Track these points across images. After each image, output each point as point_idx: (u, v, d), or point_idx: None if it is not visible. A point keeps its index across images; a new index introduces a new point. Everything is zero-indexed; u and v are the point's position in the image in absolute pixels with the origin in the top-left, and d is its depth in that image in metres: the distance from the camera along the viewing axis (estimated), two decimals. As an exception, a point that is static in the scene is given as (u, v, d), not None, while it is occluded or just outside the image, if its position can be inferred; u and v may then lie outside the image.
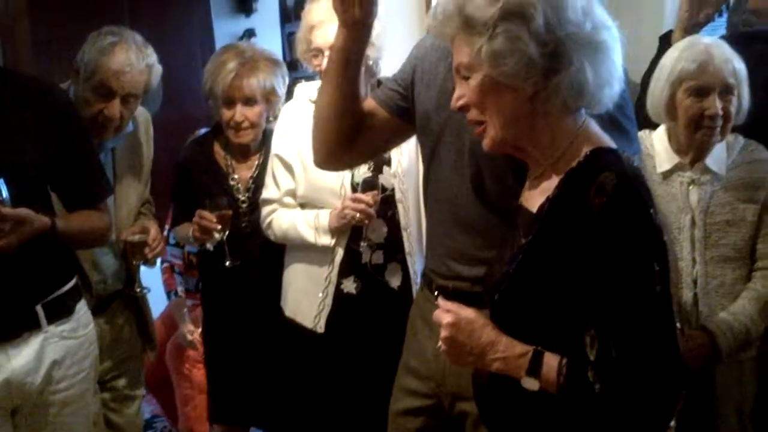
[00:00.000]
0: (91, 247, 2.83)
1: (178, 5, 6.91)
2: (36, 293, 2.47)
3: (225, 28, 7.39)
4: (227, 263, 3.05)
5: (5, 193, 2.24)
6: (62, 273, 2.58)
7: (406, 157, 2.88)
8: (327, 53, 2.79)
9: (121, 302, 3.10)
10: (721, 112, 2.62)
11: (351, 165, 2.67)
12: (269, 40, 7.55)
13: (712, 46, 2.67)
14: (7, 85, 2.44)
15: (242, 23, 7.55)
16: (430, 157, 2.22)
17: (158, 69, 2.95)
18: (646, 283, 1.62)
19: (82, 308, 2.64)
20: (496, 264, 1.88)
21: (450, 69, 2.18)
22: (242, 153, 3.25)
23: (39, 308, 2.46)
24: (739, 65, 2.65)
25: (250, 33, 7.55)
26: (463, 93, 1.77)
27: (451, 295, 2.07)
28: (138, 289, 3.02)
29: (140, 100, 2.95)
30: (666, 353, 1.63)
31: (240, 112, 3.10)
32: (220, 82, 3.09)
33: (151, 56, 2.92)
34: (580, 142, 1.75)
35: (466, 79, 1.75)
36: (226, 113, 3.12)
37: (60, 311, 2.53)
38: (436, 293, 2.19)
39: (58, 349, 2.51)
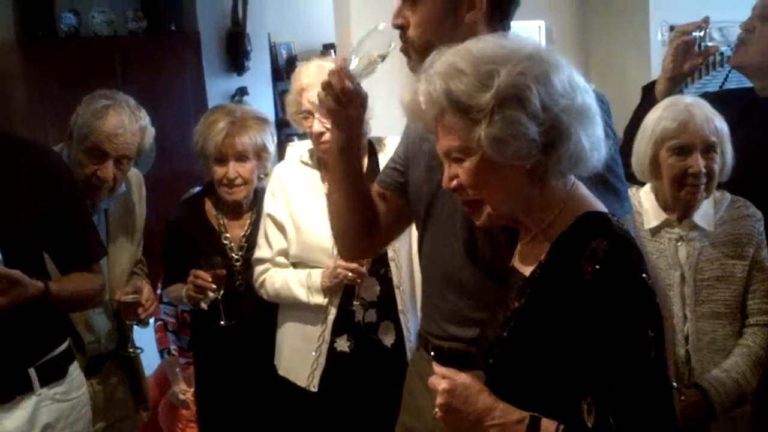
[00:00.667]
0: (84, 309, 2.83)
1: (171, 65, 6.98)
2: (29, 356, 2.46)
3: (218, 87, 7.46)
4: (222, 322, 3.05)
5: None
6: (55, 335, 2.58)
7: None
8: (317, 116, 2.83)
9: (114, 362, 3.09)
10: (704, 170, 2.65)
11: (376, 250, 2.68)
12: (261, 98, 7.63)
13: (693, 105, 2.70)
14: (0, 148, 2.46)
15: (235, 82, 7.61)
16: (424, 220, 2.23)
17: (151, 131, 2.99)
18: (641, 350, 1.61)
19: (75, 370, 2.63)
20: (489, 326, 1.87)
21: (425, 136, 2.18)
22: (234, 211, 3.26)
23: (32, 371, 2.45)
24: (720, 123, 2.68)
25: (242, 91, 7.61)
26: (455, 174, 1.75)
27: (447, 357, 2.07)
28: (131, 350, 3.01)
29: (133, 161, 2.98)
30: (663, 419, 1.62)
31: (233, 168, 3.13)
32: (212, 141, 3.13)
33: (144, 118, 2.95)
34: (570, 207, 1.75)
35: (459, 161, 1.74)
36: (219, 171, 3.15)
37: (53, 374, 2.52)
38: (432, 354, 2.18)
39: (50, 412, 2.50)
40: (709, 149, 2.66)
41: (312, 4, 7.95)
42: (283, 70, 8.15)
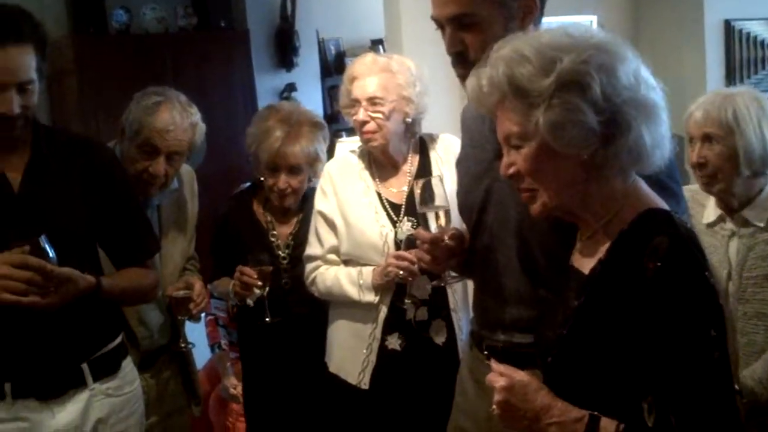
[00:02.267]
0: (138, 304, 2.85)
1: (221, 61, 7.03)
2: (82, 350, 2.48)
3: (266, 83, 7.50)
4: (267, 319, 3.05)
5: (52, 252, 2.25)
6: (109, 330, 2.59)
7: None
8: (363, 104, 2.84)
9: (166, 357, 3.11)
10: (700, 161, 2.66)
11: None
12: (310, 93, 7.65)
13: (709, 96, 2.71)
14: (55, 143, 2.48)
15: (284, 78, 7.65)
16: (474, 228, 2.23)
17: (202, 127, 3.00)
18: (704, 350, 1.58)
19: (128, 365, 2.64)
20: (548, 325, 1.85)
21: (476, 142, 2.22)
22: (282, 211, 3.27)
23: (85, 366, 2.47)
24: (738, 114, 2.63)
25: (291, 87, 7.64)
26: (513, 161, 1.75)
27: (501, 355, 2.05)
28: (183, 345, 3.01)
29: (185, 157, 3.00)
30: (726, 421, 1.59)
31: (284, 179, 3.13)
32: (266, 149, 3.12)
33: (195, 115, 2.97)
34: (631, 203, 1.72)
35: (517, 147, 1.74)
36: (270, 179, 3.15)
37: (106, 369, 2.53)
38: (486, 353, 2.17)
39: (103, 406, 2.51)
40: (706, 139, 2.67)
41: (358, 0, 7.95)
42: (331, 66, 8.17)
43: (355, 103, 2.88)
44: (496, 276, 2.16)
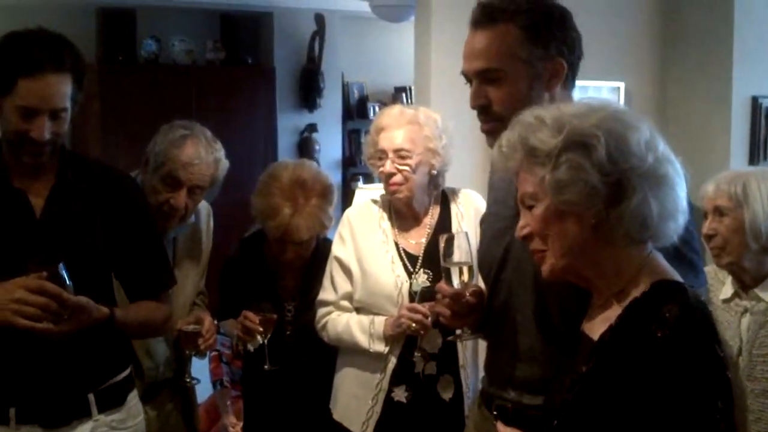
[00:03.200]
0: (149, 337, 2.86)
1: (245, 96, 7.10)
2: (90, 381, 2.47)
3: (288, 122, 7.56)
4: (266, 367, 3.02)
5: (69, 281, 2.25)
6: (118, 362, 2.58)
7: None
8: (390, 156, 2.84)
9: (169, 391, 3.10)
10: (710, 233, 2.72)
11: None
12: (330, 135, 7.71)
13: (734, 171, 2.80)
14: (80, 171, 2.49)
15: (305, 118, 7.71)
16: (492, 284, 2.24)
17: (225, 163, 3.02)
18: (709, 421, 1.57)
19: (134, 398, 2.62)
20: (556, 390, 1.85)
21: (500, 200, 2.25)
22: (290, 264, 3.22)
23: (91, 396, 2.45)
24: (755, 186, 2.69)
25: (312, 128, 7.70)
26: (527, 222, 1.79)
27: (510, 416, 2.05)
28: (189, 380, 3.00)
29: (205, 192, 3.01)
30: None
31: (291, 251, 3.11)
32: (273, 228, 3.07)
33: (220, 151, 2.99)
34: (645, 273, 1.73)
35: (530, 208, 1.77)
36: (277, 249, 3.14)
37: (112, 401, 2.52)
38: (495, 413, 2.16)
39: (106, 439, 2.50)
40: (716, 212, 2.74)
41: (386, 46, 8.03)
42: (353, 110, 8.24)
43: (382, 154, 2.88)
44: (511, 333, 2.15)
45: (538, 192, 1.73)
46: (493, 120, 2.09)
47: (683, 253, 1.93)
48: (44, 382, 2.37)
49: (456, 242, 2.32)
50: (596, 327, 1.78)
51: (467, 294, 2.24)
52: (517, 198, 1.83)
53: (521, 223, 1.81)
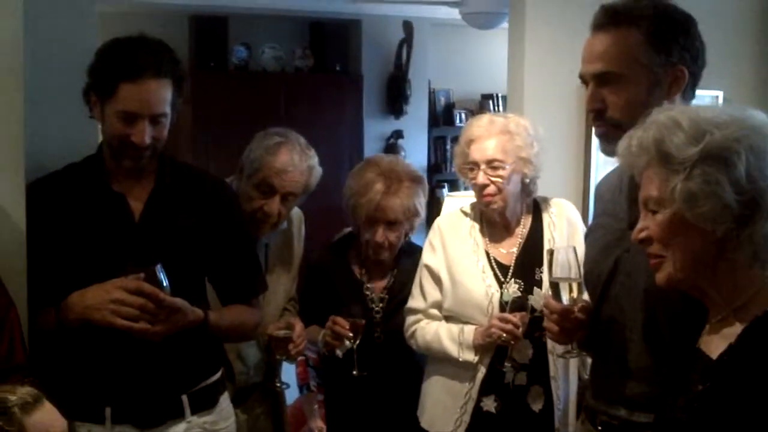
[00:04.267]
0: (239, 341, 2.89)
1: (333, 103, 7.16)
2: (183, 382, 2.51)
3: (374, 128, 7.60)
4: (354, 372, 3.01)
5: (165, 282, 2.29)
6: (210, 364, 2.62)
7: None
8: (483, 167, 2.82)
9: (259, 395, 3.13)
10: None
11: None
12: (416, 142, 7.72)
13: None
14: (178, 176, 2.54)
15: (392, 124, 7.74)
16: (599, 298, 2.20)
17: (318, 170, 3.04)
18: None
19: (225, 401, 2.66)
20: (668, 408, 1.80)
21: (610, 212, 2.20)
22: (377, 266, 3.23)
23: (185, 398, 2.49)
24: None
25: (398, 134, 7.72)
26: (647, 226, 1.74)
27: None
28: (279, 384, 3.01)
29: (298, 199, 3.04)
30: None
31: (381, 234, 3.10)
32: (365, 203, 3.08)
33: (313, 158, 3.01)
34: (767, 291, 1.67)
35: (653, 212, 1.72)
36: (366, 233, 3.13)
37: (204, 402, 2.55)
38: (600, 428, 2.14)
39: (197, 440, 2.53)
40: None
41: (473, 53, 8.01)
42: (439, 117, 8.25)
43: (474, 165, 2.85)
44: (619, 349, 2.11)
45: (665, 198, 1.67)
46: (607, 125, 2.06)
47: None
48: (139, 383, 2.42)
49: (563, 256, 2.29)
50: (714, 345, 1.72)
51: (576, 310, 2.21)
52: (627, 209, 1.79)
53: (640, 225, 1.76)
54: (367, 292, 3.21)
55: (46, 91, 2.61)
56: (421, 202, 3.18)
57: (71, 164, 2.52)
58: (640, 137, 1.72)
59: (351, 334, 2.96)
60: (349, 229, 3.43)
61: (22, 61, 2.34)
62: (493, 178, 2.81)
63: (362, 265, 3.25)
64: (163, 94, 2.36)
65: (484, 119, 2.91)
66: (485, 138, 2.84)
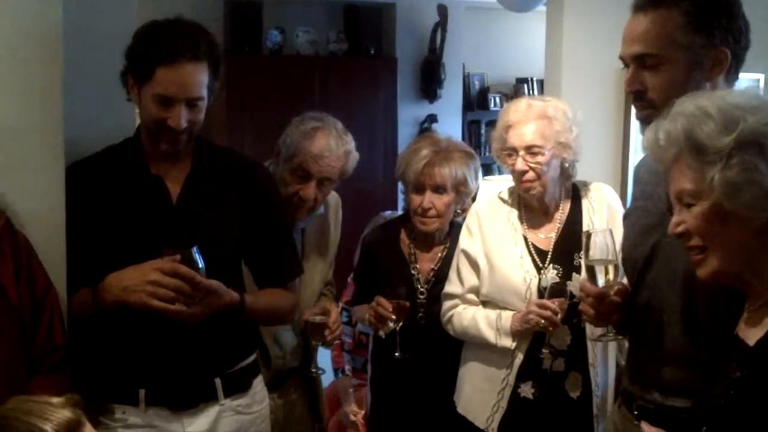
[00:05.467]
0: (275, 324, 2.89)
1: (367, 87, 7.15)
2: (217, 365, 2.51)
3: (408, 112, 7.57)
4: (396, 354, 3.01)
5: (201, 263, 2.29)
6: (245, 347, 2.62)
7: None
8: (521, 153, 2.79)
9: (295, 379, 3.13)
10: None
11: None
12: (450, 126, 7.68)
13: None
14: (215, 159, 2.54)
15: (426, 108, 7.70)
16: (637, 282, 2.18)
17: (355, 155, 3.03)
18: None
19: (259, 384, 2.66)
20: (705, 394, 1.78)
21: (648, 195, 2.17)
22: (426, 243, 3.22)
23: (218, 380, 2.50)
24: None
25: (432, 118, 7.69)
26: (683, 219, 1.72)
27: (653, 417, 1.99)
28: (314, 370, 3.01)
29: (335, 184, 3.03)
30: None
31: (428, 198, 3.08)
32: (412, 168, 3.08)
33: (350, 143, 3.00)
34: None
35: (689, 206, 1.69)
36: (415, 199, 3.12)
37: (238, 385, 2.56)
38: (635, 413, 2.11)
39: (231, 422, 2.53)
40: None
41: (508, 37, 7.96)
42: (474, 101, 8.20)
43: (512, 151, 2.82)
44: (656, 334, 2.09)
45: (702, 190, 1.65)
46: (647, 107, 2.03)
47: None
48: (173, 365, 2.43)
49: (600, 239, 2.26)
50: (753, 332, 1.71)
51: (612, 293, 2.19)
52: (669, 193, 1.76)
53: (675, 219, 1.74)
54: (414, 272, 3.20)
55: (84, 74, 2.62)
56: (471, 176, 3.14)
57: (109, 147, 2.53)
58: (668, 129, 1.69)
59: (394, 317, 2.96)
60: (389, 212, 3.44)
61: (61, 47, 2.35)
62: (531, 164, 2.78)
63: (411, 244, 3.24)
64: (199, 78, 2.35)
65: (521, 103, 2.88)
66: (523, 123, 2.80)
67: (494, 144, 2.95)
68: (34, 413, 1.62)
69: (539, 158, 2.77)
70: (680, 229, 1.72)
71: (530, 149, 2.78)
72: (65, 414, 1.64)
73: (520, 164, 2.80)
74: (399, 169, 3.17)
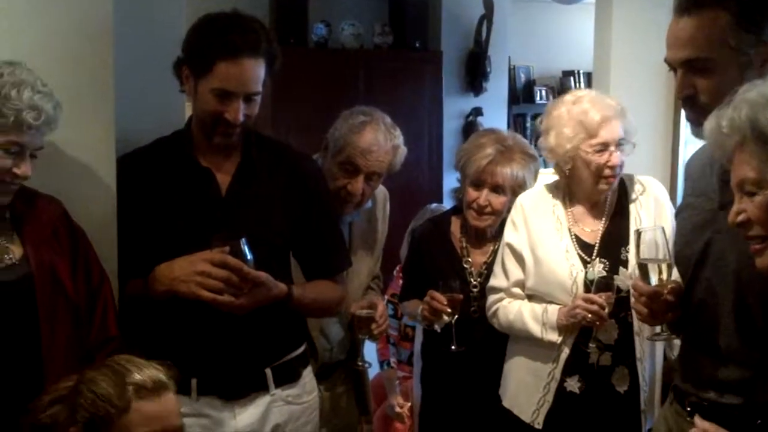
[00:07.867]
0: (321, 316, 2.91)
1: (412, 80, 7.12)
2: (267, 356, 2.54)
3: (453, 106, 7.53)
4: (453, 347, 3.01)
5: (250, 255, 2.32)
6: (293, 339, 2.65)
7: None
8: (611, 148, 2.74)
9: (342, 372, 3.16)
10: None
11: None
12: (495, 119, 7.63)
13: None
14: (264, 151, 2.57)
15: (471, 102, 7.66)
16: (690, 280, 2.16)
17: (403, 150, 3.03)
18: None
19: (308, 375, 2.69)
20: (760, 389, 1.76)
21: (700, 192, 2.15)
22: (478, 237, 3.21)
23: (268, 371, 2.53)
24: None
25: (477, 111, 7.65)
26: (744, 208, 1.69)
27: (706, 413, 1.97)
28: (360, 363, 3.01)
29: (383, 178, 3.04)
30: None
31: (485, 196, 3.07)
32: (474, 163, 3.06)
33: (398, 138, 3.00)
34: None
35: (751, 194, 1.67)
36: (472, 194, 3.10)
37: (287, 376, 2.59)
38: (688, 409, 2.10)
39: (282, 412, 2.57)
40: None
41: (555, 30, 7.91)
42: (519, 94, 8.16)
43: (603, 147, 2.74)
44: (709, 332, 2.07)
45: (763, 179, 1.63)
46: (699, 111, 1.98)
47: None
48: (225, 356, 2.46)
49: (650, 237, 2.24)
50: None
51: (665, 292, 2.17)
52: (731, 183, 1.73)
53: (736, 208, 1.72)
54: (466, 266, 3.20)
55: (135, 66, 2.65)
56: (530, 177, 3.13)
57: (160, 138, 2.57)
58: (731, 117, 1.67)
59: (449, 310, 2.96)
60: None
61: (112, 40, 2.40)
62: (622, 158, 2.76)
63: (463, 237, 3.24)
64: (258, 73, 2.38)
65: (595, 98, 2.81)
66: (613, 118, 2.76)
67: (571, 141, 2.78)
68: (134, 363, 1.94)
69: (625, 153, 2.76)
70: (741, 218, 1.70)
71: (620, 144, 2.75)
72: (158, 374, 1.92)
73: (617, 158, 2.75)
74: (460, 160, 3.16)
